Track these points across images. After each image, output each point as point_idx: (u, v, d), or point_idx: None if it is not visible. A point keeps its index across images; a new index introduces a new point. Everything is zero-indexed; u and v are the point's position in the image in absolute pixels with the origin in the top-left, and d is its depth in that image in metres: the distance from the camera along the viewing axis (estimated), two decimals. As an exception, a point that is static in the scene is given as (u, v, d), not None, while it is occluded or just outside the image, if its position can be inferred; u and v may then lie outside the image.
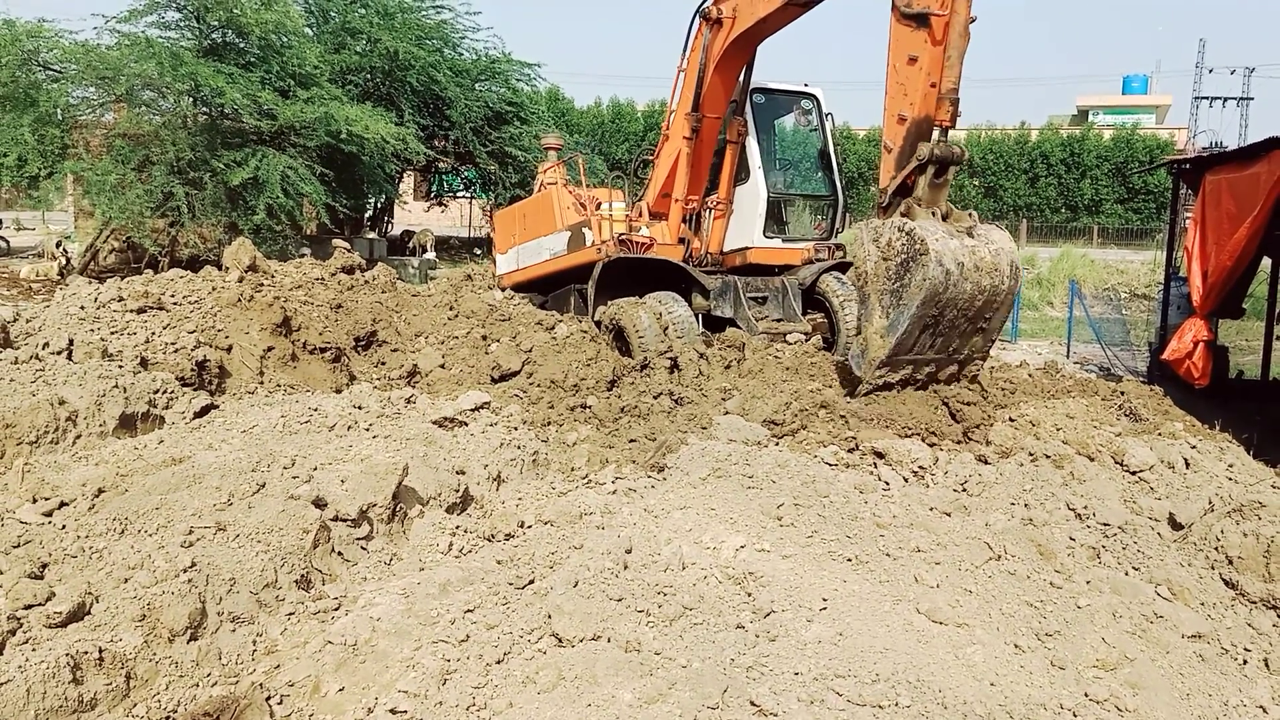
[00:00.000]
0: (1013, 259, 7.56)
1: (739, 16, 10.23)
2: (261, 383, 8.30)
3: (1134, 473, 6.28)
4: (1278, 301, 13.62)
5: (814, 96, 12.52)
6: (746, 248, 11.84)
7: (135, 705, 3.67)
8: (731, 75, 11.09)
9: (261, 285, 9.43)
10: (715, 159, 11.94)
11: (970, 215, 7.72)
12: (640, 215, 12.62)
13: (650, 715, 3.37)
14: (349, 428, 6.68)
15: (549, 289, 13.36)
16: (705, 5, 10.73)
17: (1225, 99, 63.05)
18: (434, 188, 34.04)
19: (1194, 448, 6.67)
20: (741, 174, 11.84)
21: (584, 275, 12.14)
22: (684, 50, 11.29)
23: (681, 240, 12.05)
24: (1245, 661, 4.36)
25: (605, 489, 5.92)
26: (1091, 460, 6.40)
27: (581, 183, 13.64)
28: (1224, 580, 4.89)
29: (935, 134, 7.57)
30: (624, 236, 11.97)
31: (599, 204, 12.72)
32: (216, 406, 7.48)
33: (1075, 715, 3.79)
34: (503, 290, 13.73)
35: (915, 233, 7.25)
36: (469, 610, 4.18)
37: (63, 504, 5.01)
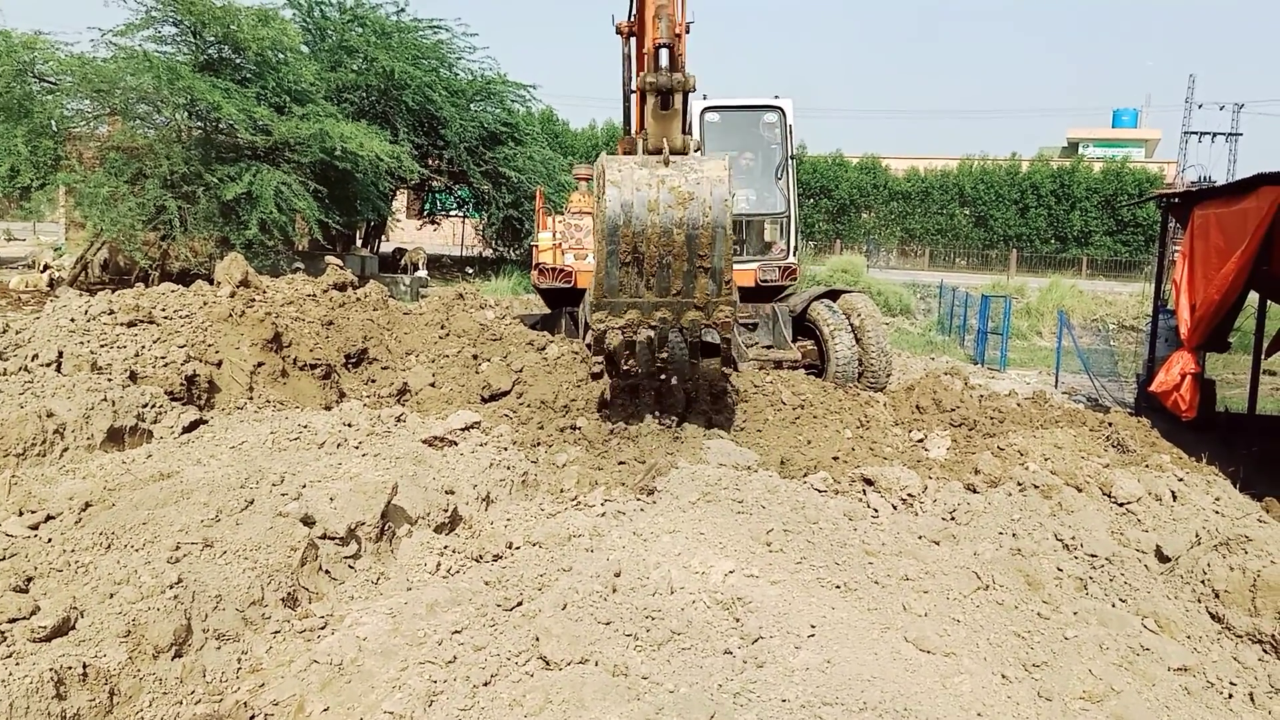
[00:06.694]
0: (715, 188, 6.87)
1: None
2: (251, 398, 8.26)
3: (1122, 504, 6.30)
4: (1264, 336, 13.72)
5: (780, 109, 12.24)
6: None
7: (118, 722, 3.64)
8: None
9: (253, 301, 9.42)
10: None
11: (689, 145, 7.27)
12: None
13: (637, 740, 3.35)
14: (338, 445, 6.66)
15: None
16: (618, 21, 10.36)
17: (1214, 134, 63.82)
18: (427, 206, 34.12)
19: (1181, 480, 6.69)
20: None
21: (573, 297, 12.18)
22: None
23: None
24: (1231, 695, 4.37)
25: (594, 511, 5.92)
26: (1079, 491, 6.42)
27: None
28: (1210, 614, 4.91)
29: (663, 58, 7.18)
30: (543, 265, 12.19)
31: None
32: (206, 422, 7.44)
33: (1062, 747, 3.79)
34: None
35: (600, 166, 6.96)
36: (456, 631, 4.16)
37: (49, 517, 4.97)
